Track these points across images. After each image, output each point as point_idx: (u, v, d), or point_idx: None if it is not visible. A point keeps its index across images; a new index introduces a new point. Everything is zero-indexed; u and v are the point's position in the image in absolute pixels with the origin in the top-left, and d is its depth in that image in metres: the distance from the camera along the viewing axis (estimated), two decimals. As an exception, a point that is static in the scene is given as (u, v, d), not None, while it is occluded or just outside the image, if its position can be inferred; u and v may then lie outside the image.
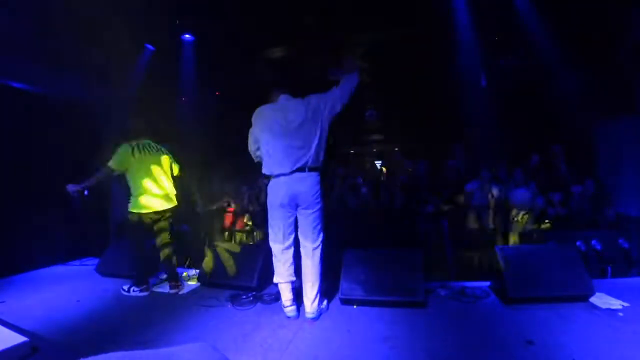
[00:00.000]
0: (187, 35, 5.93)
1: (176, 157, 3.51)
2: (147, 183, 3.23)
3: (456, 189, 5.05)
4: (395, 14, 5.01)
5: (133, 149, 3.24)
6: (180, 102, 6.85)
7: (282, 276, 2.67)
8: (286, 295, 2.68)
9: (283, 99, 2.72)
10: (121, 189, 3.52)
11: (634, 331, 2.26)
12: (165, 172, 3.36)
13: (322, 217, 2.67)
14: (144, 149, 3.28)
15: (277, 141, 2.61)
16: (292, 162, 2.57)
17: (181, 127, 6.68)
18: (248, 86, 6.08)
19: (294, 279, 2.70)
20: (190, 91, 6.64)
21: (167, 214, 3.36)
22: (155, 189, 3.26)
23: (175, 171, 3.48)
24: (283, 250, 2.68)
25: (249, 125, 2.79)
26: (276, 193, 2.63)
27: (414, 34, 5.52)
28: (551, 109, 5.51)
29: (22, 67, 4.28)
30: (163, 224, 3.35)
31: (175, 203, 3.41)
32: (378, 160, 9.51)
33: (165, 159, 3.39)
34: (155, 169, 3.29)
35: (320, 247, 2.67)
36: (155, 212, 3.27)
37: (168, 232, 3.37)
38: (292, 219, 2.67)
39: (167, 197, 3.34)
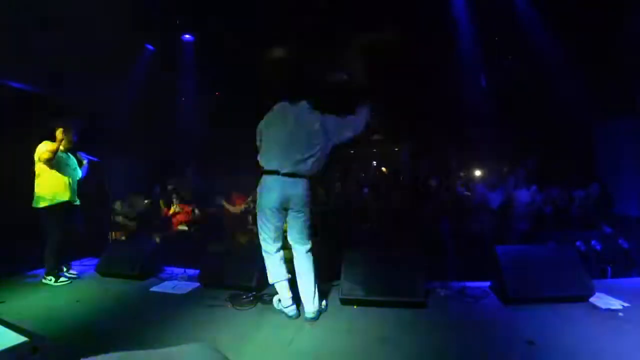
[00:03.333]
0: (187, 35, 5.94)
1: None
2: None
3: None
4: (395, 14, 5.01)
5: None
6: (180, 102, 6.86)
7: (276, 276, 2.69)
8: (284, 295, 2.69)
9: (302, 104, 2.72)
10: (121, 189, 3.53)
11: (634, 331, 2.26)
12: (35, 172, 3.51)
13: (311, 221, 2.71)
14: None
15: (280, 137, 2.62)
16: (289, 164, 2.58)
17: (180, 126, 6.70)
18: (248, 86, 6.10)
19: (288, 276, 2.71)
20: (190, 91, 6.65)
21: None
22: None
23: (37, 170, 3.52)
24: (275, 251, 2.71)
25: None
26: (268, 195, 2.62)
27: (414, 34, 5.52)
28: (551, 109, 5.51)
29: (22, 68, 4.28)
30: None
31: (35, 205, 3.49)
32: (379, 160, 9.51)
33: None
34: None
35: (311, 249, 2.71)
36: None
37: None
38: (280, 221, 2.69)
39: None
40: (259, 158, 2.71)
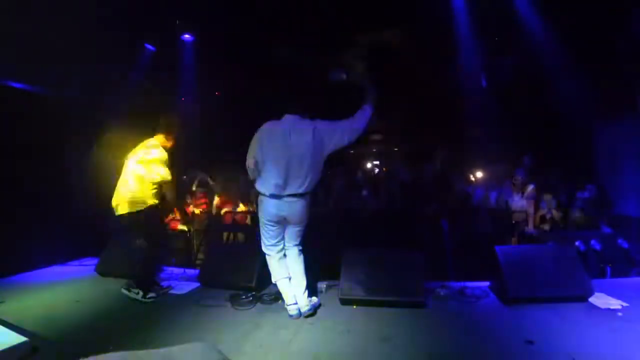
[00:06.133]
0: (187, 35, 5.93)
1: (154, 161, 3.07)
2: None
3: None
4: (395, 14, 5.01)
5: None
6: (180, 102, 6.85)
7: (278, 274, 2.78)
8: (287, 293, 2.73)
9: (289, 118, 2.70)
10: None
11: (634, 331, 2.26)
12: (135, 174, 3.06)
13: (306, 228, 2.82)
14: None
15: (276, 163, 2.61)
16: (287, 187, 2.61)
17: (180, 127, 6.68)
18: (248, 86, 6.09)
19: (290, 275, 2.79)
20: (190, 91, 6.64)
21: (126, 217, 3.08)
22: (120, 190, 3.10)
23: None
24: (275, 252, 2.81)
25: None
26: (266, 211, 2.71)
27: (414, 33, 5.52)
28: (551, 109, 5.51)
29: (22, 67, 4.27)
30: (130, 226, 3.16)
31: (134, 209, 3.03)
32: (377, 160, 9.52)
33: (142, 161, 3.07)
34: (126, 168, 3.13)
35: (302, 249, 2.84)
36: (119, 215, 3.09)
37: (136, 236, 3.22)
38: (281, 229, 2.79)
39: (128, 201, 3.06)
40: (257, 185, 2.72)
